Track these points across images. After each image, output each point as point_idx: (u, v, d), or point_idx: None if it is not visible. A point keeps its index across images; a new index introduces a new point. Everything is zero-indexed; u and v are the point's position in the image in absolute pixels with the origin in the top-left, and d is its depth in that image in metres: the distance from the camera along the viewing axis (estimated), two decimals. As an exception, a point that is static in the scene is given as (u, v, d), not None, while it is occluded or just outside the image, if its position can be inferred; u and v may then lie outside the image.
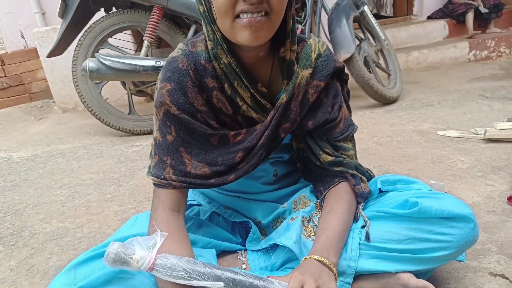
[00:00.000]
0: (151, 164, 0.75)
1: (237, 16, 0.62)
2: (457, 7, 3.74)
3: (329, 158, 0.78)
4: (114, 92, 2.89)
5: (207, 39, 0.70)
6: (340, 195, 0.76)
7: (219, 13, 0.63)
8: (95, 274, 0.61)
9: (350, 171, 0.78)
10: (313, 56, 0.74)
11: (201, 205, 0.92)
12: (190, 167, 0.71)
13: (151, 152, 0.78)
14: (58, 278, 0.64)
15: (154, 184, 0.73)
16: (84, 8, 2.07)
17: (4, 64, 3.06)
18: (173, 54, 0.72)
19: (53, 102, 3.04)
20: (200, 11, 0.69)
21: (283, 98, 0.73)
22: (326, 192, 0.79)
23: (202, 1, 0.66)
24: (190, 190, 0.93)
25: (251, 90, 0.72)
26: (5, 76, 3.07)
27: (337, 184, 0.78)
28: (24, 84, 3.10)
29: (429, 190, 0.78)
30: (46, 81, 3.08)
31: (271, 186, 0.87)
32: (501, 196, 1.19)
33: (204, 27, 0.70)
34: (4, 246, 1.17)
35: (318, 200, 0.82)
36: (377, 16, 4.15)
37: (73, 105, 3.01)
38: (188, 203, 0.90)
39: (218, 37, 0.67)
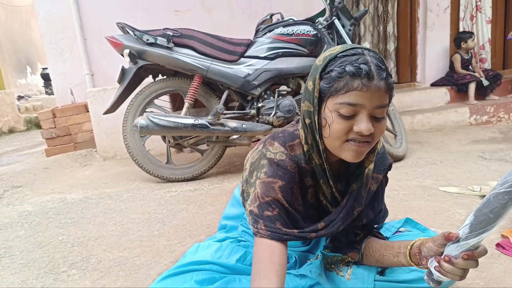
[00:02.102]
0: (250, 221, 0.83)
1: (346, 140, 0.76)
2: (463, 77, 4.08)
3: (361, 236, 0.97)
4: (149, 144, 3.26)
5: (303, 142, 0.83)
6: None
7: (333, 135, 0.76)
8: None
9: (375, 231, 0.99)
10: (374, 153, 0.89)
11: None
12: (281, 228, 0.80)
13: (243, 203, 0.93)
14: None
15: (253, 233, 0.81)
16: (136, 75, 2.50)
17: (55, 117, 3.50)
18: (277, 156, 0.81)
19: (95, 151, 3.42)
20: (305, 123, 0.81)
21: (353, 186, 0.87)
22: (362, 250, 0.96)
23: (313, 118, 0.79)
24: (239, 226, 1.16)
25: (333, 189, 0.86)
26: (55, 127, 3.50)
27: (368, 238, 0.97)
28: (71, 134, 3.52)
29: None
30: (90, 133, 3.49)
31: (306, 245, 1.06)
32: (491, 243, 1.40)
33: (303, 133, 0.83)
34: (77, 270, 1.43)
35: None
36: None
37: (112, 154, 3.38)
38: (236, 237, 1.13)
39: (321, 149, 0.80)
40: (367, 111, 0.74)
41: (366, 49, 0.77)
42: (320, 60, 0.80)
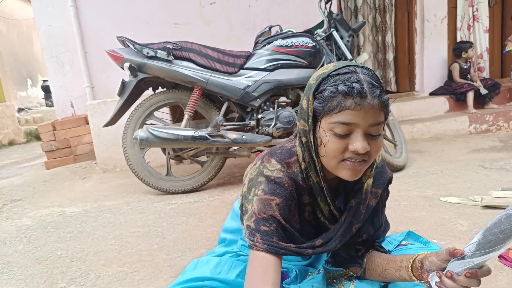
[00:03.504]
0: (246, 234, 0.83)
1: (342, 159, 0.76)
2: (461, 86, 4.11)
3: (362, 251, 0.95)
4: (149, 156, 3.26)
5: (301, 160, 0.83)
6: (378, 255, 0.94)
7: (329, 155, 0.76)
8: None
9: (376, 244, 0.97)
10: (373, 168, 0.89)
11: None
12: (277, 241, 0.80)
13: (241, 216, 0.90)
14: None
15: (249, 246, 0.81)
16: (136, 88, 2.51)
17: (55, 130, 3.50)
18: (274, 173, 0.81)
19: (95, 163, 3.42)
20: (302, 142, 0.81)
21: (352, 202, 0.87)
22: (364, 265, 0.94)
23: (308, 137, 0.79)
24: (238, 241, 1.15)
25: (331, 206, 0.86)
26: (55, 140, 3.50)
27: (370, 252, 0.95)
28: (70, 147, 3.52)
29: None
30: (90, 145, 3.49)
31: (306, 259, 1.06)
32: (493, 254, 1.40)
33: (300, 151, 0.83)
34: (76, 286, 1.41)
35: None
36: (383, 91, 4.61)
37: (112, 166, 3.38)
38: (236, 252, 1.12)
39: (318, 167, 0.80)
40: (361, 129, 0.73)
41: (359, 66, 0.77)
42: (313, 79, 0.80)
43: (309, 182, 0.83)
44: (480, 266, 0.66)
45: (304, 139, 0.81)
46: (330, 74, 0.76)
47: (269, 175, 0.81)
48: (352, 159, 0.75)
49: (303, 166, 0.83)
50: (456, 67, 4.21)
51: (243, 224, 0.86)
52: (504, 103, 4.26)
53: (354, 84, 0.72)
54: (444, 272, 0.70)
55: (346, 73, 0.75)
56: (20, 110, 7.76)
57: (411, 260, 0.81)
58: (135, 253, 1.65)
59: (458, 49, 4.23)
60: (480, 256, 0.63)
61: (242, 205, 0.92)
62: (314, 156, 0.80)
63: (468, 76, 4.27)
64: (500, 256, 1.37)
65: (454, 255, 0.69)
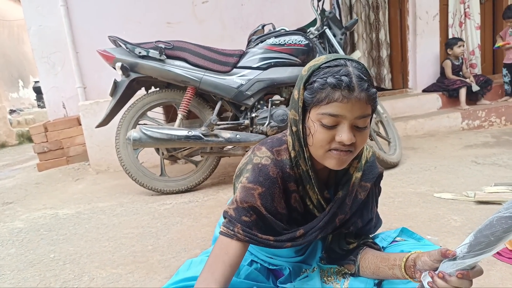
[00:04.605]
0: (224, 222, 0.84)
1: (329, 149, 0.78)
2: (453, 82, 4.14)
3: (354, 245, 0.96)
4: (142, 156, 3.23)
5: (290, 148, 0.85)
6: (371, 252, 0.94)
7: (316, 144, 0.78)
8: None
9: (370, 241, 0.98)
10: (363, 161, 0.91)
11: None
12: (257, 233, 0.82)
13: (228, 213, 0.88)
14: None
15: (221, 232, 0.82)
16: (129, 88, 2.49)
17: (47, 131, 3.46)
18: (262, 161, 0.83)
19: (88, 164, 3.39)
20: (292, 131, 0.83)
21: (339, 193, 0.88)
22: (358, 262, 0.94)
23: (298, 126, 0.81)
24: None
25: (319, 195, 0.88)
26: (47, 141, 3.46)
27: (364, 249, 0.95)
28: (63, 148, 3.48)
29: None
30: (83, 146, 3.46)
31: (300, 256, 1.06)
32: (487, 249, 1.41)
33: (290, 139, 0.85)
34: (69, 288, 1.40)
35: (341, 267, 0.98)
36: (378, 89, 4.64)
37: (105, 167, 3.35)
38: None
39: (306, 156, 0.82)
40: (348, 121, 0.75)
41: (349, 60, 0.78)
42: (305, 70, 0.81)
43: (298, 170, 0.85)
44: (472, 267, 0.66)
45: (294, 128, 0.83)
46: (321, 66, 0.78)
47: (257, 163, 0.84)
48: (338, 149, 0.77)
49: (292, 155, 0.85)
50: (448, 64, 4.24)
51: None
52: (496, 99, 4.29)
53: (343, 77, 0.74)
54: (436, 273, 0.70)
55: (336, 65, 0.76)
56: (11, 111, 7.67)
57: (404, 259, 0.82)
58: (129, 254, 1.64)
59: (446, 46, 4.29)
60: (472, 258, 0.63)
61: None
62: (303, 145, 0.82)
63: (460, 72, 4.30)
64: (494, 251, 1.38)
65: (446, 255, 0.69)
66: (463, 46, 4.25)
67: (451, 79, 4.20)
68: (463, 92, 4.05)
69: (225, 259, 0.79)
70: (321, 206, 0.90)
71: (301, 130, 0.81)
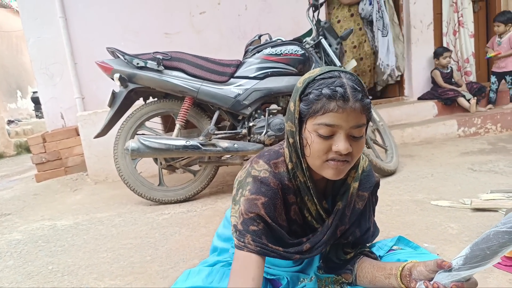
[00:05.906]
0: (235, 235, 0.85)
1: (326, 160, 0.80)
2: (446, 92, 4.19)
3: (351, 255, 0.98)
4: (141, 166, 3.24)
5: (287, 160, 0.87)
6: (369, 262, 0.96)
7: (313, 155, 0.79)
8: None
9: (367, 250, 1.00)
10: (360, 171, 0.93)
11: None
12: (267, 243, 0.83)
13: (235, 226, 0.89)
14: None
15: (235, 246, 0.84)
16: (127, 99, 2.51)
17: (45, 142, 3.47)
18: (261, 174, 0.85)
19: (86, 174, 3.39)
20: (289, 142, 0.85)
21: (339, 205, 0.90)
22: (355, 271, 0.95)
23: (295, 138, 0.82)
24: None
25: (318, 206, 0.89)
26: (45, 152, 3.47)
27: (361, 258, 0.97)
28: (61, 159, 3.48)
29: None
30: (81, 156, 3.46)
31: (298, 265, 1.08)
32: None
33: (287, 151, 0.87)
34: (67, 300, 1.39)
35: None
36: (373, 97, 4.68)
37: (103, 177, 3.35)
38: (227, 261, 1.11)
39: (304, 167, 0.83)
40: (344, 131, 0.77)
41: (343, 71, 0.81)
42: (300, 83, 0.84)
43: (296, 182, 0.87)
44: (466, 279, 0.67)
45: (291, 140, 0.85)
46: (316, 78, 0.80)
47: (256, 175, 0.85)
48: (335, 159, 0.79)
49: (290, 167, 0.87)
50: (437, 74, 4.31)
51: (232, 226, 0.88)
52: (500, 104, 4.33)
53: (337, 88, 0.76)
54: (432, 283, 0.71)
55: (331, 77, 0.79)
56: (10, 122, 7.67)
57: (400, 268, 0.83)
58: (128, 265, 1.64)
59: (433, 54, 4.37)
60: (467, 270, 0.65)
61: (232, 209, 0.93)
62: (301, 156, 0.83)
63: (453, 80, 4.35)
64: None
65: (442, 267, 0.70)
66: (449, 57, 4.31)
67: (445, 87, 4.25)
68: (462, 101, 4.11)
69: (244, 273, 0.80)
70: (320, 216, 0.92)
71: (298, 141, 0.82)
